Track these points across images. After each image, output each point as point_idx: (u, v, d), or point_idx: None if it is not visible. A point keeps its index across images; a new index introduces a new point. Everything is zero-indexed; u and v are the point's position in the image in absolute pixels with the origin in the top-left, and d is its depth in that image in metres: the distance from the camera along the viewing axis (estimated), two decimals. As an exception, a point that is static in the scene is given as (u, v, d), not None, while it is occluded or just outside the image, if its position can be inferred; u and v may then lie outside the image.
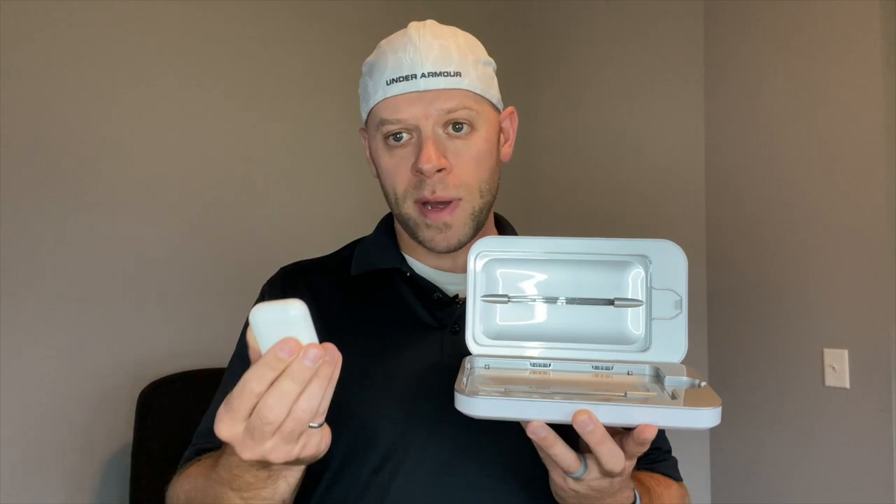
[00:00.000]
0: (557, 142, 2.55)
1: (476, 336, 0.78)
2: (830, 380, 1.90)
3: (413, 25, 0.86)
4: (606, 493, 0.69)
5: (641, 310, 0.77)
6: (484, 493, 0.81)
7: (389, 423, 0.82)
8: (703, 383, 0.69)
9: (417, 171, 0.82)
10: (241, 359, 0.90)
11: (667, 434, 1.00)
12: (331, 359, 0.57)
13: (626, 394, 0.68)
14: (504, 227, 0.99)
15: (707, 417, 0.63)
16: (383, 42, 0.88)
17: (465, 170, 0.84)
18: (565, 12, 2.56)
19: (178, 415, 1.56)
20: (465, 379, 0.70)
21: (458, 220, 0.84)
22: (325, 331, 0.75)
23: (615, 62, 2.46)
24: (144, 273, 1.74)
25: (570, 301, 0.79)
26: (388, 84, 0.83)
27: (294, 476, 0.69)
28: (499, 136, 0.90)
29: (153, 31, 1.78)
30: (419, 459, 0.81)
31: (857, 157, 1.86)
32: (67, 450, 1.61)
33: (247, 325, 0.91)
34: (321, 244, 1.12)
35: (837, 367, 1.88)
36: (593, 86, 2.51)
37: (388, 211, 0.99)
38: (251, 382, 0.56)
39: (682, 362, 0.75)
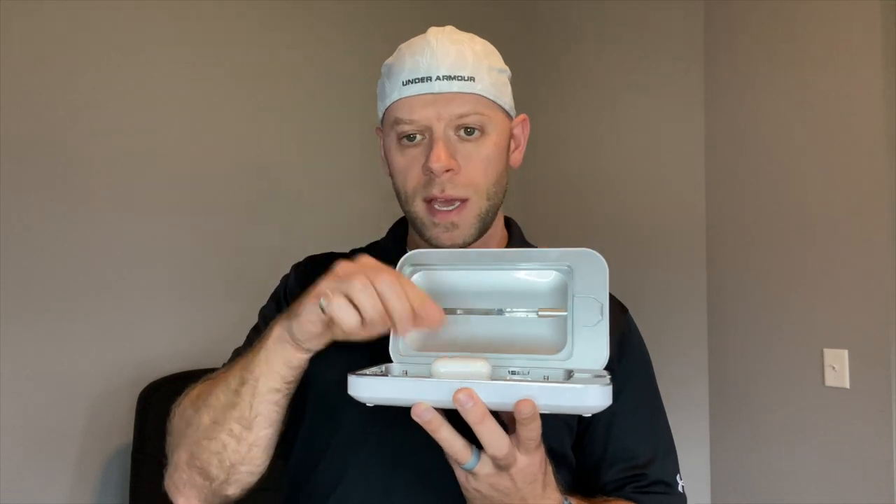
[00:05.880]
0: (556, 141, 2.55)
1: (401, 347, 0.80)
2: (830, 380, 1.90)
3: (432, 31, 0.88)
4: (513, 495, 0.68)
5: (565, 318, 0.78)
6: (429, 491, 0.83)
7: (351, 412, 0.86)
8: (608, 378, 0.68)
9: (427, 171, 0.85)
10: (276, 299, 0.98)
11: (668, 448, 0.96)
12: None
13: None
14: (512, 229, 1.01)
15: (592, 395, 0.63)
16: (403, 45, 0.91)
17: (473, 172, 0.86)
18: (564, 13, 2.56)
19: (178, 415, 1.56)
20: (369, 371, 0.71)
21: (465, 220, 0.87)
22: None
23: (615, 62, 2.46)
24: (144, 273, 1.74)
25: (497, 312, 0.79)
26: (403, 85, 0.86)
27: (280, 391, 0.76)
28: (509, 142, 0.93)
29: (161, 27, 1.78)
30: (375, 449, 0.86)
31: (857, 157, 1.86)
32: (67, 450, 1.61)
33: (282, 289, 0.98)
34: (322, 245, 1.12)
35: (837, 367, 1.88)
36: (592, 86, 2.51)
37: (400, 214, 1.01)
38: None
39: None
